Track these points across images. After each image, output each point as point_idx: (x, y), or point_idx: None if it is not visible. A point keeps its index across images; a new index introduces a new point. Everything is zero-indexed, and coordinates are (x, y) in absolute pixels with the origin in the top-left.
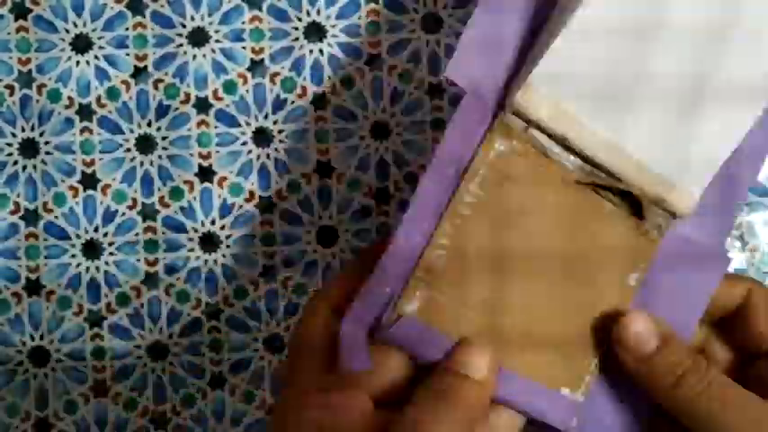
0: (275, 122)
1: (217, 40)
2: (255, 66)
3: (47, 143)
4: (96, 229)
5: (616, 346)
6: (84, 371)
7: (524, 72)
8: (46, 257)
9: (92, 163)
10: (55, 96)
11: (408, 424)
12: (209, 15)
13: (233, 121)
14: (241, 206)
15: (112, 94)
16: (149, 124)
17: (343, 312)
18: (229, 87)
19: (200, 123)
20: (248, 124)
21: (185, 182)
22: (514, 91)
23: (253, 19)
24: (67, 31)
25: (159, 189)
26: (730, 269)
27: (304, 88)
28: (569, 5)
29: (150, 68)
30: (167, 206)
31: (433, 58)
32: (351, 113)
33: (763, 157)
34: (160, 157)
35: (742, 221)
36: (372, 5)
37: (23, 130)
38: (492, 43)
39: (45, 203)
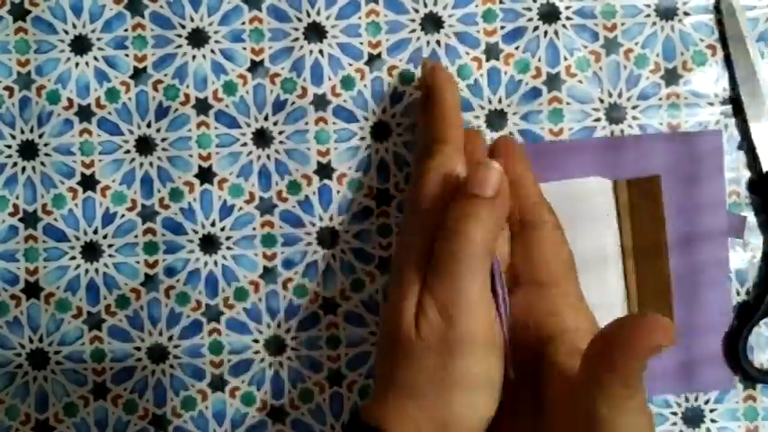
0: (275, 123)
1: (216, 41)
2: (255, 66)
3: (46, 145)
4: (96, 231)
5: None
6: (83, 373)
7: None
8: (45, 260)
9: (91, 164)
10: (54, 98)
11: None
12: (209, 16)
13: (233, 122)
14: (241, 207)
15: (112, 95)
16: (149, 125)
17: None
18: (229, 88)
19: (199, 124)
20: (248, 125)
21: (185, 183)
22: None
23: (252, 19)
24: (66, 32)
25: (159, 191)
26: (732, 269)
27: (304, 89)
28: None
29: (150, 69)
30: (167, 208)
31: (433, 57)
32: (351, 114)
33: None
34: (160, 158)
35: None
36: (372, 5)
37: (22, 131)
38: None
39: (44, 205)
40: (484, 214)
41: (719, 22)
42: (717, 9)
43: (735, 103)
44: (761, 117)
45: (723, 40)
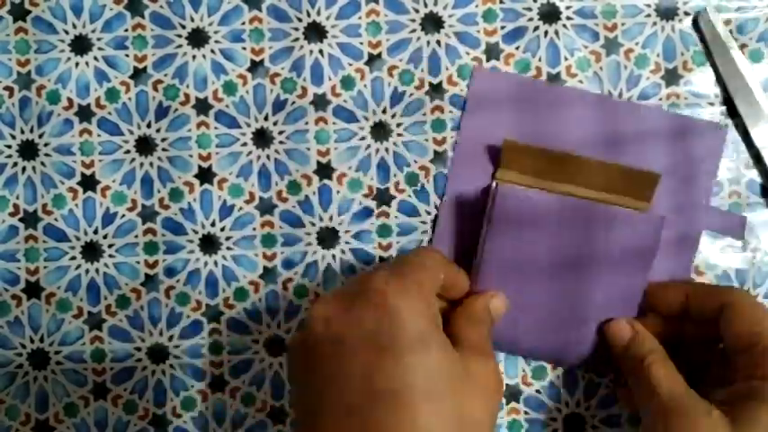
0: (275, 123)
1: (216, 41)
2: (255, 66)
3: (46, 145)
4: (96, 231)
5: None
6: (84, 373)
7: None
8: (45, 260)
9: (91, 164)
10: (54, 98)
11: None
12: (209, 16)
13: (233, 122)
14: (241, 208)
15: (112, 95)
16: (149, 125)
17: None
18: (229, 88)
19: (199, 124)
20: (248, 125)
21: (185, 183)
22: None
23: (252, 19)
24: (66, 32)
25: (159, 191)
26: (732, 270)
27: (304, 89)
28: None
29: (150, 69)
30: (167, 208)
31: (433, 58)
32: (351, 114)
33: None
34: (160, 158)
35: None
36: (372, 5)
37: (23, 131)
38: None
39: (44, 205)
40: None
41: (702, 40)
42: (696, 27)
43: (734, 104)
44: (759, 121)
45: (709, 55)
